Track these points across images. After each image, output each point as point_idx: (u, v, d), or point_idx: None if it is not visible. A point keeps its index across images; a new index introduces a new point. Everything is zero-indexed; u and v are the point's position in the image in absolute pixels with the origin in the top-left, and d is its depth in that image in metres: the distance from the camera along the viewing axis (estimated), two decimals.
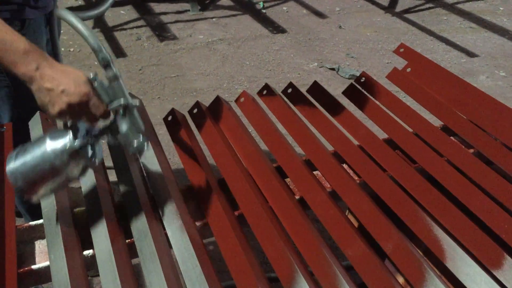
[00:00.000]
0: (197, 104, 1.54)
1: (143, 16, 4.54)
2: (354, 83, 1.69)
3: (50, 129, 1.00)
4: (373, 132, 1.43)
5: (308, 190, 1.25)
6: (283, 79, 3.48)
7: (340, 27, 4.55)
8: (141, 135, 1.01)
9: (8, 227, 1.12)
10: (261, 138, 1.45)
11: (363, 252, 1.06)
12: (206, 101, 1.56)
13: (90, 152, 1.00)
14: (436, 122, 1.53)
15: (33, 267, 1.06)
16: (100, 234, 1.09)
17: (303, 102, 1.59)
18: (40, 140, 0.99)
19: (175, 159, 2.41)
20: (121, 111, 0.98)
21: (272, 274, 1.17)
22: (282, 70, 3.66)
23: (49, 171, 0.98)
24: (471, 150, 1.42)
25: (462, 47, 4.23)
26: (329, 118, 1.50)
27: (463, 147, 1.39)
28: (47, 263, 1.06)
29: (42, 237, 1.18)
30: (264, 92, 1.62)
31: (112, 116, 1.00)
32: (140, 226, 1.11)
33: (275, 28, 4.45)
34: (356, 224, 1.26)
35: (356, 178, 1.34)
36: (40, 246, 1.17)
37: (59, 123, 1.27)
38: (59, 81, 0.95)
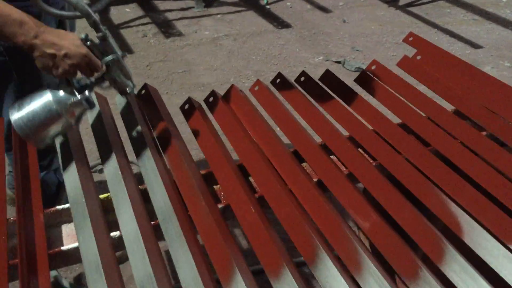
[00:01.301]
0: (213, 93, 1.57)
1: (148, 14, 4.57)
2: (366, 70, 1.72)
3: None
4: (386, 116, 1.46)
5: (326, 173, 1.28)
6: (290, 72, 3.51)
7: (344, 21, 4.57)
8: (130, 81, 1.23)
9: (36, 212, 1.15)
10: (277, 124, 1.48)
11: (382, 229, 1.09)
12: None
13: (85, 102, 1.17)
14: (449, 108, 1.56)
15: (62, 248, 1.09)
16: (126, 216, 1.12)
17: (316, 89, 1.61)
18: (42, 93, 1.15)
19: (190, 147, 2.43)
20: (111, 64, 1.16)
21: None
22: (288, 64, 3.69)
23: (52, 118, 1.14)
24: (484, 133, 1.44)
25: (466, 39, 4.25)
26: (343, 104, 1.53)
27: (476, 129, 1.41)
28: (76, 244, 1.09)
29: (68, 221, 1.21)
30: (278, 80, 1.65)
31: (104, 68, 1.17)
32: (164, 208, 1.14)
33: (280, 23, 4.47)
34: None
35: (372, 161, 1.37)
36: (66, 229, 1.20)
37: None
38: (60, 46, 1.08)
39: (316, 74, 1.70)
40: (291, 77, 1.70)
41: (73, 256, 1.10)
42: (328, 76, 1.68)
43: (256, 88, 1.61)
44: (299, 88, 1.63)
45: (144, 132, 1.36)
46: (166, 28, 4.26)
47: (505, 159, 1.28)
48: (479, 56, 3.89)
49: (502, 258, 1.02)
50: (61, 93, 1.16)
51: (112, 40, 1.17)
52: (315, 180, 1.29)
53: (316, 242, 1.05)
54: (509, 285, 0.98)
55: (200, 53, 3.83)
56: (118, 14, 4.53)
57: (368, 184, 1.24)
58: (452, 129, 1.41)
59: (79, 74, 1.17)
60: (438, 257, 1.04)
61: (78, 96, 1.15)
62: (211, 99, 1.55)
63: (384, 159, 1.32)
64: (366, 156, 1.41)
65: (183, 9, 4.67)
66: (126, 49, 3.82)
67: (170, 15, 4.54)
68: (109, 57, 1.15)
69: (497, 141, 1.37)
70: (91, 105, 1.19)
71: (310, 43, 4.10)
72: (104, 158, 1.29)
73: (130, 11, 4.63)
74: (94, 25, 1.13)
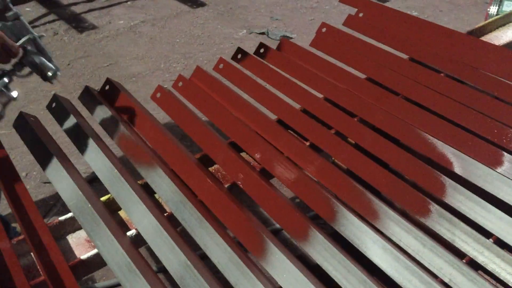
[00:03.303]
0: (181, 77, 1.53)
1: (52, 10, 4.29)
2: (318, 34, 1.76)
3: None
4: (353, 73, 1.53)
5: (315, 135, 1.32)
6: (218, 50, 3.49)
7: None
8: (52, 63, 1.15)
9: (39, 226, 1.08)
10: (251, 97, 1.49)
11: (384, 177, 1.16)
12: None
13: (6, 90, 1.10)
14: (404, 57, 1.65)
15: (82, 257, 1.04)
16: (139, 212, 1.09)
17: (278, 58, 1.64)
18: None
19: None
20: (28, 46, 1.10)
21: None
22: (214, 42, 3.66)
23: None
24: (442, 74, 1.55)
25: None
26: (309, 69, 1.57)
27: (434, 72, 1.51)
28: (94, 251, 1.05)
29: (72, 231, 1.16)
30: (239, 56, 1.66)
31: (21, 52, 1.10)
32: (174, 198, 1.13)
33: (194, 2, 4.41)
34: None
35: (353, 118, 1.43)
36: (73, 239, 1.14)
37: None
38: None
39: (244, 48, 1.69)
40: (220, 54, 1.71)
41: (94, 264, 1.06)
42: (286, 45, 1.71)
43: (221, 66, 1.60)
44: (261, 59, 1.65)
45: (124, 127, 1.31)
46: (77, 23, 4.03)
47: (467, 93, 1.39)
48: None
49: (497, 182, 1.12)
50: None
51: (25, 21, 1.12)
52: (307, 144, 1.32)
53: (333, 201, 1.10)
54: (507, 203, 1.09)
55: (120, 44, 3.68)
56: None
57: (357, 139, 1.30)
58: (414, 75, 1.50)
59: None
60: (442, 192, 1.12)
61: None
62: (180, 84, 1.52)
63: (364, 112, 1.38)
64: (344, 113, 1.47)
65: (89, 1, 4.44)
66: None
67: (76, 9, 4.30)
68: (25, 38, 1.09)
69: (455, 79, 1.49)
70: (12, 94, 1.12)
71: (229, 18, 4.09)
72: (93, 160, 1.23)
73: (31, 9, 4.31)
74: (3, 4, 1.08)
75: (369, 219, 1.08)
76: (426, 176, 1.16)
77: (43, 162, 1.23)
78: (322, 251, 1.01)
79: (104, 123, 1.36)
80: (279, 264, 0.98)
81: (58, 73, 1.15)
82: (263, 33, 3.75)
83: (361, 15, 1.85)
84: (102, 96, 1.48)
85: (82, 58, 3.50)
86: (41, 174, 2.37)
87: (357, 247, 1.03)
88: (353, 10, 1.83)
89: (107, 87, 1.50)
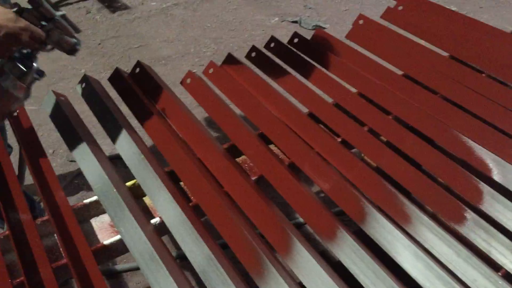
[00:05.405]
0: (212, 64, 1.50)
1: None
2: (355, 26, 1.71)
3: None
4: (390, 69, 1.47)
5: (348, 132, 1.27)
6: (249, 37, 3.44)
7: None
8: (74, 38, 1.14)
9: (64, 209, 1.07)
10: (283, 88, 1.45)
11: (420, 179, 1.11)
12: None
13: (33, 70, 1.08)
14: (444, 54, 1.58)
15: (105, 242, 1.03)
16: (164, 200, 1.07)
17: (312, 49, 1.59)
18: None
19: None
20: (53, 28, 1.08)
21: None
22: (246, 28, 3.61)
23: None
24: (483, 75, 1.48)
25: None
26: (344, 62, 1.52)
27: (476, 72, 1.44)
28: (118, 237, 1.03)
29: (97, 214, 1.15)
30: (272, 44, 1.61)
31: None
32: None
33: None
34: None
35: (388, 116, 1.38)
36: (97, 223, 1.13)
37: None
38: None
39: (276, 36, 1.64)
40: (251, 41, 1.67)
41: (116, 249, 1.05)
42: (320, 36, 1.65)
43: (253, 54, 1.56)
44: (296, 50, 1.60)
45: (153, 112, 1.29)
46: (110, 2, 4.03)
47: (509, 96, 1.32)
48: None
49: None
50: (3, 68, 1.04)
51: (47, 5, 1.07)
52: (339, 140, 1.28)
53: (363, 201, 1.06)
54: None
55: (152, 26, 3.67)
56: None
57: (391, 137, 1.25)
58: (453, 74, 1.44)
59: None
60: (479, 199, 1.07)
61: (22, 68, 1.05)
62: (211, 71, 1.49)
63: (399, 110, 1.33)
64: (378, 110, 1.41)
65: None
66: (72, 28, 3.60)
67: None
68: (51, 23, 1.06)
69: (498, 81, 1.42)
70: (40, 74, 1.11)
71: (262, 5, 4.03)
72: (119, 144, 1.21)
73: None
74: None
75: (400, 223, 1.04)
76: (462, 181, 1.11)
77: (70, 143, 1.22)
78: (350, 253, 0.97)
79: (132, 107, 1.34)
80: (305, 264, 0.95)
81: (77, 47, 1.15)
82: (295, 22, 3.68)
83: (400, 8, 1.78)
84: (132, 79, 1.46)
85: (113, 38, 3.50)
86: (68, 152, 2.38)
87: (387, 252, 0.99)
88: (390, 2, 1.76)
89: (137, 70, 1.47)
